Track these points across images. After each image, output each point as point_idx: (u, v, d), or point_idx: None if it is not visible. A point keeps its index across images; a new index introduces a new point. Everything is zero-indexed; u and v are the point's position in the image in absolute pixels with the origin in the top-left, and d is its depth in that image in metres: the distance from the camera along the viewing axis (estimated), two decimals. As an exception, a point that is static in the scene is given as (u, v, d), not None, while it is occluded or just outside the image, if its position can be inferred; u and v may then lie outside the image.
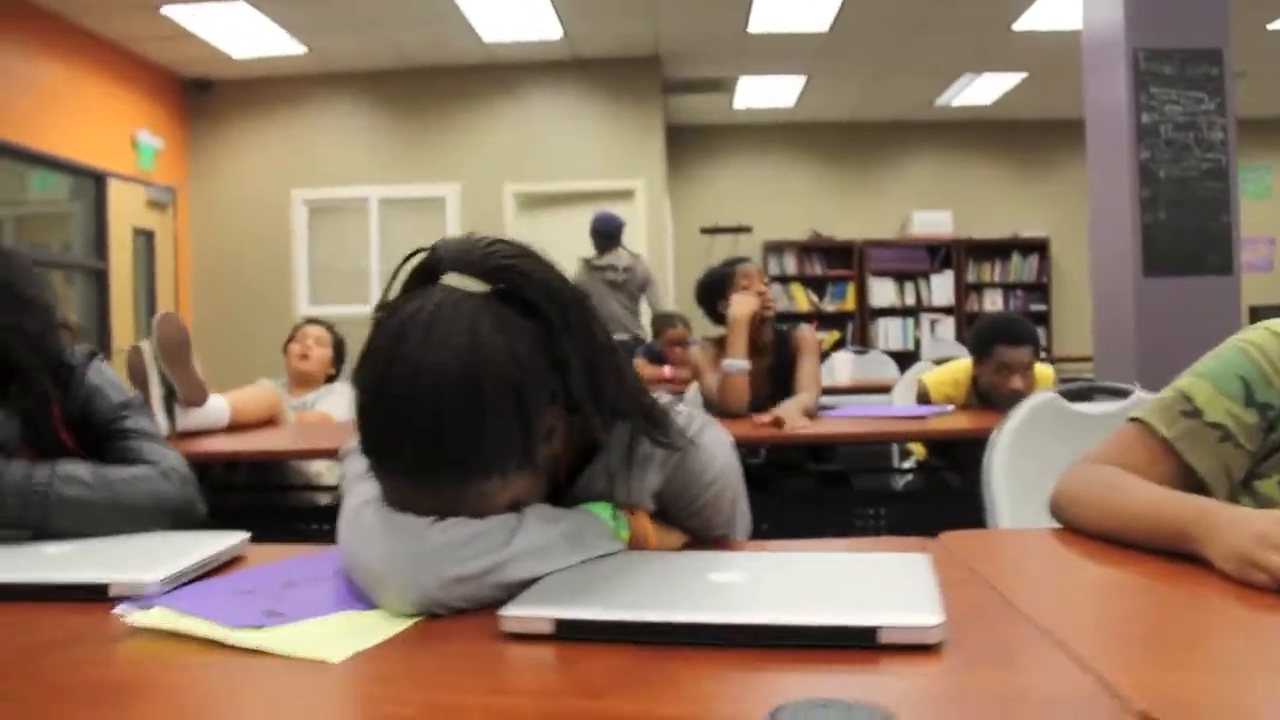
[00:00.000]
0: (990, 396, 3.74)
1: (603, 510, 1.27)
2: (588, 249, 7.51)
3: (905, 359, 8.10)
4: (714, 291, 4.00)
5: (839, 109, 11.32)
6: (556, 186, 9.62)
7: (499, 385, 1.10)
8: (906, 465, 4.28)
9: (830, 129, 11.78)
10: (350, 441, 1.35)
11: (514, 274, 1.16)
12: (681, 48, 9.18)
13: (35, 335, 1.59)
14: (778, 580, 1.15)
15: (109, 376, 1.68)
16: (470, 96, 9.65)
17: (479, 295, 1.14)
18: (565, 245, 7.77)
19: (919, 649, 0.95)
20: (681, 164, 11.30)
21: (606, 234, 7.52)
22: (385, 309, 1.18)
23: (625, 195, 9.45)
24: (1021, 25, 8.46)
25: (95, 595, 1.17)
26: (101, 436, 1.62)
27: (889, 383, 5.95)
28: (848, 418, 3.74)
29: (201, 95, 9.90)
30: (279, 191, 9.67)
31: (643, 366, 5.93)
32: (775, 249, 11.72)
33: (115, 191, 8.73)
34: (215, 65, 9.37)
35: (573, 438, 1.26)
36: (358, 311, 9.11)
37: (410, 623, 1.08)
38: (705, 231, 11.63)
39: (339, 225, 9.87)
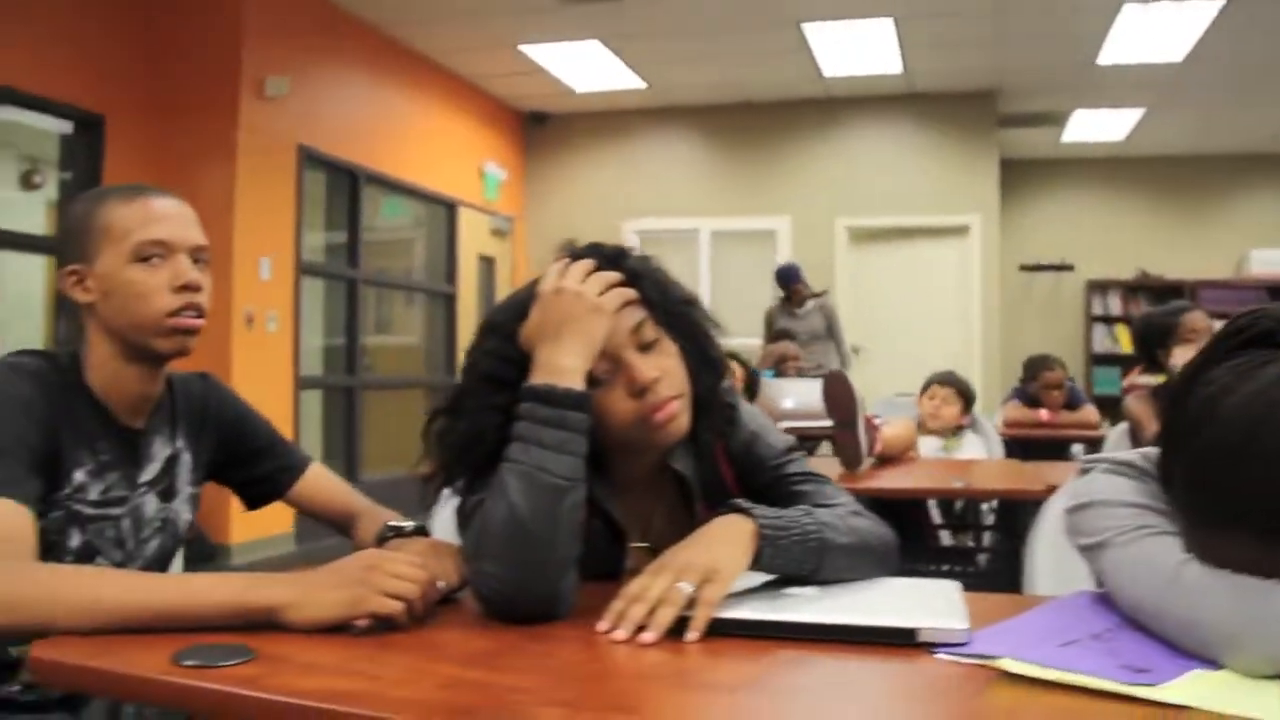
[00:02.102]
0: None
1: None
2: (920, 286, 7.45)
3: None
4: (1155, 339, 3.83)
5: (1175, 142, 10.80)
6: (888, 221, 9.55)
7: None
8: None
9: (1163, 163, 11.23)
10: (1087, 496, 1.36)
11: None
12: (1022, 81, 8.97)
13: (722, 368, 1.65)
14: None
15: (764, 419, 1.71)
16: (803, 130, 9.74)
17: None
18: (896, 281, 7.74)
19: None
20: (1003, 199, 11.04)
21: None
22: (1205, 369, 1.19)
23: (959, 231, 9.29)
24: (1402, 53, 7.87)
25: (900, 640, 1.20)
26: (766, 479, 1.63)
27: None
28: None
29: (537, 128, 10.37)
30: (610, 221, 9.96)
31: (1016, 410, 5.78)
32: (1099, 288, 11.28)
33: (464, 220, 9.22)
34: (555, 99, 9.79)
35: None
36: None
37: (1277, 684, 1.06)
38: (1025, 269, 11.32)
39: (669, 256, 9.76)
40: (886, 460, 3.52)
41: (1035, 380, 5.83)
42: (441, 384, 9.04)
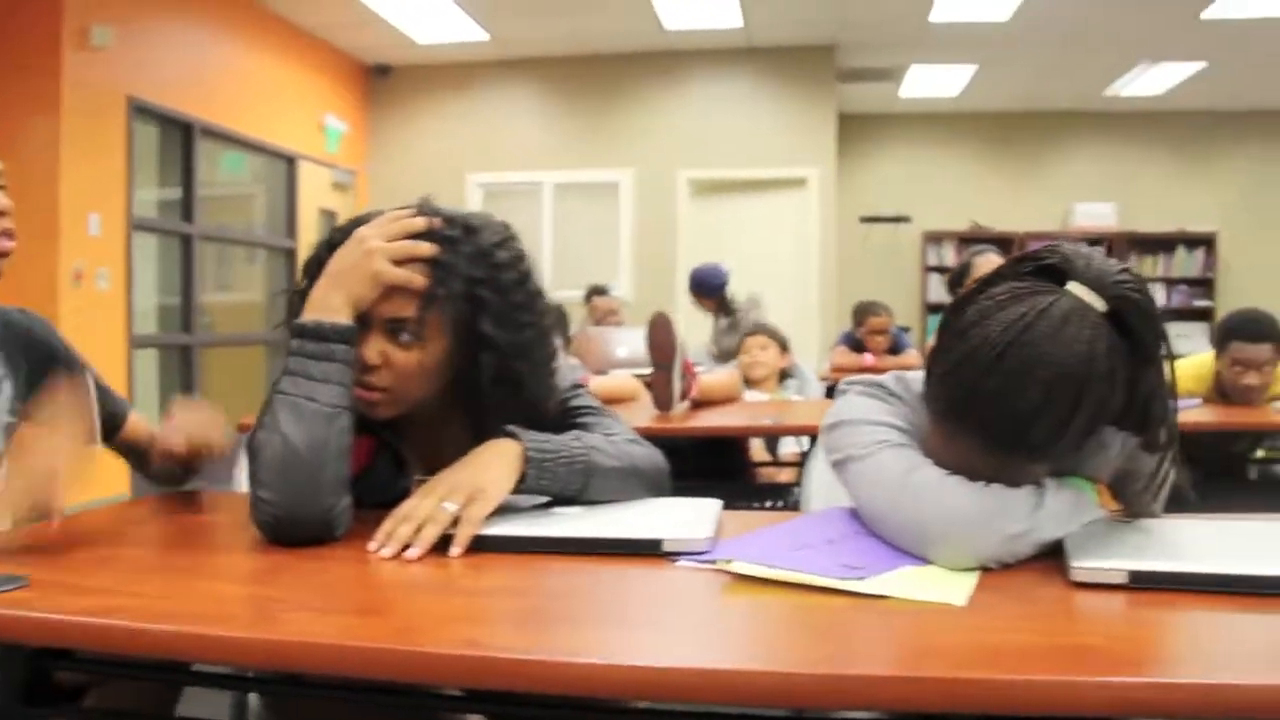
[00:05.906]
0: (1228, 392, 3.73)
1: (1081, 484, 1.37)
2: (761, 237, 7.36)
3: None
4: (954, 284, 4.05)
5: (1005, 99, 11.17)
6: (730, 174, 9.69)
7: (1096, 397, 1.22)
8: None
9: (994, 119, 11.64)
10: (839, 416, 1.47)
11: (1132, 304, 1.24)
12: (859, 36, 9.17)
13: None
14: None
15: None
16: (646, 83, 9.80)
17: (1100, 312, 1.23)
18: (738, 232, 7.87)
19: None
20: (842, 152, 11.29)
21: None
22: (994, 283, 1.30)
23: (798, 184, 9.48)
24: (1211, 14, 8.25)
25: (648, 550, 1.30)
26: (553, 412, 1.67)
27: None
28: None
29: (381, 80, 10.23)
30: (454, 174, 9.88)
31: (842, 354, 5.98)
32: (934, 239, 11.66)
33: (304, 174, 9.08)
34: (397, 51, 9.66)
35: None
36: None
37: (976, 574, 1.19)
38: (864, 220, 11.63)
39: (513, 209, 10.05)
40: (704, 405, 3.64)
41: (862, 325, 6.05)
42: (283, 340, 8.91)
